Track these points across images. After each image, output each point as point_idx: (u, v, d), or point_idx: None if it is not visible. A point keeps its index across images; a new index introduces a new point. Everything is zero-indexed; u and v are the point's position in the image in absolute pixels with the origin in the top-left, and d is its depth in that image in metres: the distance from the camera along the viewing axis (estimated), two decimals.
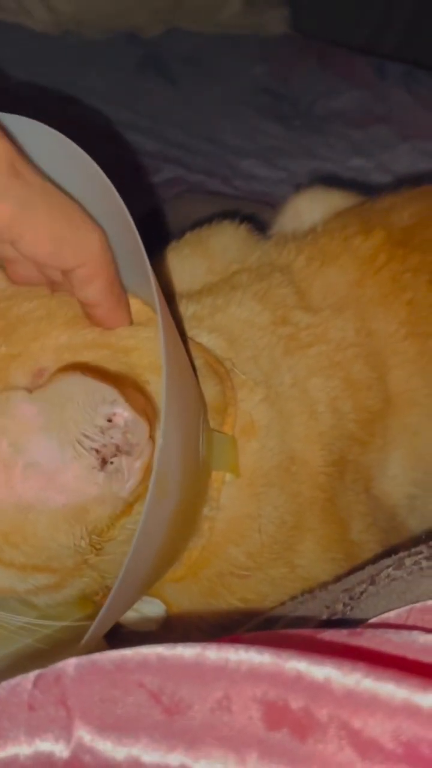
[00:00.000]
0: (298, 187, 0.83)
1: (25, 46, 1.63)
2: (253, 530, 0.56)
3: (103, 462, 0.47)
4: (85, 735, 0.33)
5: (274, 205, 0.84)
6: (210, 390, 0.55)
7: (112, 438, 0.46)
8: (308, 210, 0.77)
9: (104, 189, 0.47)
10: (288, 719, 0.31)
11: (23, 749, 0.33)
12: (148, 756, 0.32)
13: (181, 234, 0.72)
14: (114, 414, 0.46)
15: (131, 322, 0.51)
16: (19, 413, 0.47)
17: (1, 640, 0.53)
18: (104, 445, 0.47)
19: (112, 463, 0.47)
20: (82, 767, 0.32)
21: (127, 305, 0.51)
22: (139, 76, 1.62)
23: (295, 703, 0.32)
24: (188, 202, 1.14)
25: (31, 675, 0.34)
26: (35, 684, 0.34)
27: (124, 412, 0.45)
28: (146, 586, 0.52)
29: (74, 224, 0.47)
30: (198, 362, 0.55)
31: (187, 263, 0.68)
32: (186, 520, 0.52)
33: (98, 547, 0.49)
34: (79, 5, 1.73)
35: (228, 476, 0.55)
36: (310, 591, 0.55)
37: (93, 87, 1.50)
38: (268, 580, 0.57)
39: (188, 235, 0.71)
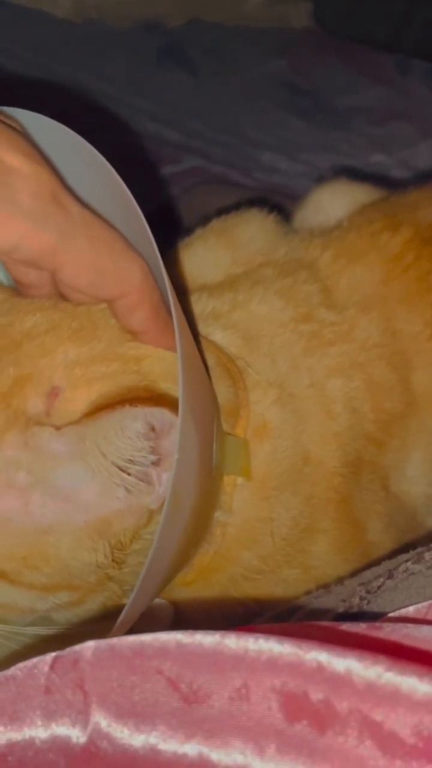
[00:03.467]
0: (319, 181, 0.83)
1: (47, 33, 1.62)
2: (265, 534, 0.55)
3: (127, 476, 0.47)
4: (101, 720, 0.32)
5: (295, 197, 0.83)
6: (222, 391, 0.54)
7: (143, 455, 0.46)
8: (330, 203, 0.77)
9: (118, 189, 0.46)
10: (307, 711, 0.31)
11: (39, 733, 0.33)
12: (166, 744, 0.31)
13: (199, 224, 0.71)
14: (146, 430, 0.45)
15: None
16: (44, 449, 0.46)
17: None
18: (131, 461, 0.46)
19: (131, 474, 0.47)
20: (98, 753, 0.32)
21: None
22: (160, 67, 1.61)
23: (315, 695, 0.31)
24: (208, 192, 1.13)
25: (48, 657, 0.34)
26: (52, 667, 0.34)
27: (154, 432, 0.45)
28: (157, 594, 0.51)
29: (115, 255, 0.46)
30: (210, 362, 0.54)
31: (211, 253, 0.67)
32: (198, 525, 0.51)
33: (120, 560, 0.49)
34: None
35: (240, 480, 0.54)
36: (326, 586, 0.54)
37: (114, 76, 1.49)
38: (281, 582, 0.56)
39: (214, 223, 0.70)
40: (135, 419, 0.45)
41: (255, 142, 1.39)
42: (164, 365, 0.49)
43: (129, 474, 0.47)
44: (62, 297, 0.52)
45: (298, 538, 0.56)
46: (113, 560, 0.48)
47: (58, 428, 0.46)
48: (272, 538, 0.55)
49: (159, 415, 0.45)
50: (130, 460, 0.46)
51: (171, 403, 0.46)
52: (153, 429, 0.45)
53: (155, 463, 0.47)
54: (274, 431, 0.56)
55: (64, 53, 1.54)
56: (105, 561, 0.48)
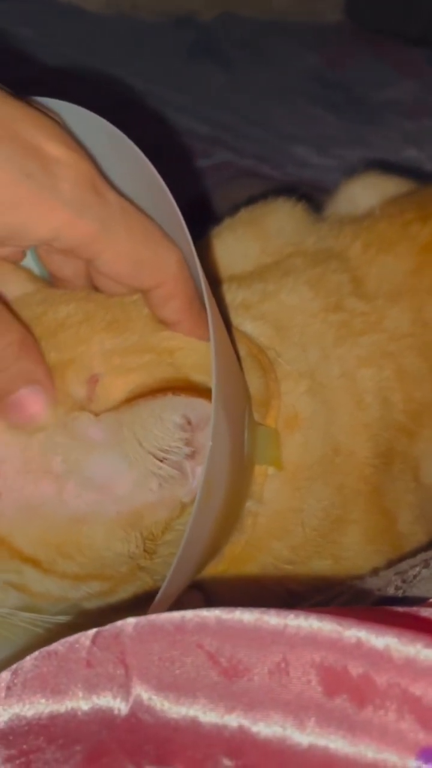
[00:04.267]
0: (350, 175, 0.83)
1: (80, 27, 1.63)
2: (296, 524, 0.55)
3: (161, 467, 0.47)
4: (143, 693, 0.33)
5: (326, 191, 0.83)
6: (254, 382, 0.54)
7: (178, 446, 0.46)
8: (362, 196, 0.76)
9: (152, 180, 0.47)
10: (347, 685, 0.31)
11: (81, 704, 0.33)
12: (206, 716, 0.32)
13: (228, 215, 0.71)
14: (183, 422, 0.45)
15: None
16: (82, 435, 0.46)
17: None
18: (167, 451, 0.46)
19: (165, 465, 0.47)
20: (139, 724, 0.32)
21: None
22: (192, 60, 1.61)
23: (354, 670, 0.31)
24: (239, 186, 1.13)
25: (90, 632, 0.35)
26: (93, 641, 0.34)
27: (190, 424, 0.45)
28: (187, 584, 0.52)
29: (152, 244, 0.47)
30: (241, 353, 0.54)
31: (240, 243, 0.66)
32: (229, 515, 0.51)
33: (151, 551, 0.49)
34: None
35: (271, 470, 0.54)
36: (360, 577, 0.54)
37: (146, 69, 1.50)
38: (312, 573, 0.56)
39: (243, 213, 0.70)
40: (174, 409, 0.45)
41: (286, 135, 1.39)
42: (197, 356, 0.49)
43: (164, 464, 0.47)
44: (96, 290, 0.52)
45: (329, 529, 0.56)
46: (145, 551, 0.48)
47: (96, 414, 0.46)
48: (303, 529, 0.55)
49: (198, 406, 0.45)
50: (166, 450, 0.46)
51: (207, 396, 0.46)
52: (189, 422, 0.46)
53: (189, 456, 0.47)
54: (305, 421, 0.56)
55: (96, 47, 1.54)
56: (137, 551, 0.48)
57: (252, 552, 0.55)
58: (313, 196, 0.80)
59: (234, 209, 0.71)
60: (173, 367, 0.49)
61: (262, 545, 0.55)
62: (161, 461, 0.47)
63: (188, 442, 0.46)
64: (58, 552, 0.47)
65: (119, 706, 0.33)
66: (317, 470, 0.56)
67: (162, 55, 1.58)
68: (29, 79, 1.33)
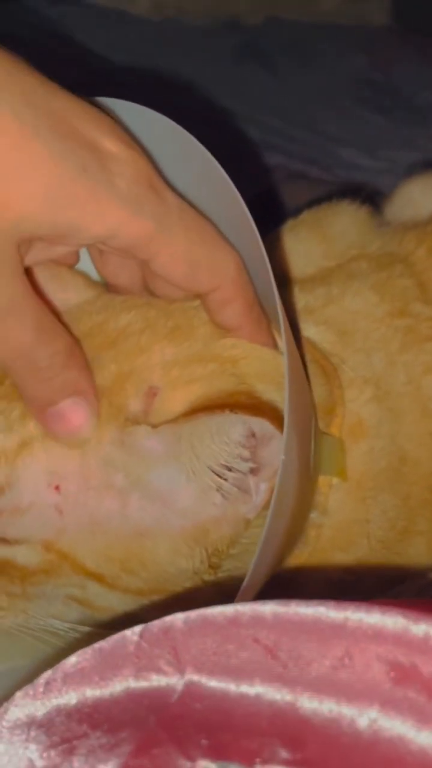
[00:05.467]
0: (401, 176, 0.81)
1: (126, 31, 1.63)
2: (361, 535, 0.54)
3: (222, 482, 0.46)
4: (196, 677, 0.32)
5: (375, 194, 0.81)
6: (318, 389, 0.52)
7: (239, 462, 0.45)
8: (422, 197, 0.75)
9: (220, 181, 0.45)
10: (416, 680, 0.30)
11: (131, 683, 0.32)
12: (263, 697, 0.31)
13: (294, 216, 0.70)
14: (245, 439, 0.44)
15: (275, 345, 0.49)
16: (140, 448, 0.46)
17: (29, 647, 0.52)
18: (230, 469, 0.45)
19: (227, 481, 0.46)
20: (192, 710, 0.31)
21: (269, 326, 0.49)
22: (238, 64, 1.60)
23: (425, 667, 0.30)
24: (290, 189, 1.12)
25: (137, 628, 0.33)
26: (141, 636, 0.33)
27: (254, 438, 0.44)
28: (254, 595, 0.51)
29: (210, 246, 0.45)
30: (305, 359, 0.53)
31: (302, 245, 0.65)
32: (294, 527, 0.50)
33: (216, 566, 0.48)
34: None
35: (335, 480, 0.53)
36: (422, 574, 0.53)
37: (192, 73, 1.49)
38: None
39: (305, 215, 0.68)
40: (233, 426, 0.44)
41: (334, 138, 1.38)
42: (261, 365, 0.48)
43: (225, 480, 0.46)
44: (152, 295, 0.51)
45: (395, 540, 0.54)
46: (210, 566, 0.48)
47: (154, 426, 0.45)
48: (368, 540, 0.54)
49: (259, 425, 0.43)
50: (226, 466, 0.45)
51: (271, 410, 0.44)
52: (253, 435, 0.44)
53: (253, 472, 0.46)
54: (370, 430, 0.54)
55: (142, 51, 1.54)
56: (201, 567, 0.47)
57: (315, 564, 0.53)
58: (370, 198, 0.79)
59: (293, 212, 0.70)
60: (236, 377, 0.47)
61: (326, 557, 0.53)
62: (222, 477, 0.46)
63: (251, 459, 0.45)
64: (121, 567, 0.47)
65: (173, 685, 0.32)
66: (383, 480, 0.54)
67: (208, 59, 1.58)
68: (77, 83, 1.33)
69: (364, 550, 0.54)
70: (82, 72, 1.33)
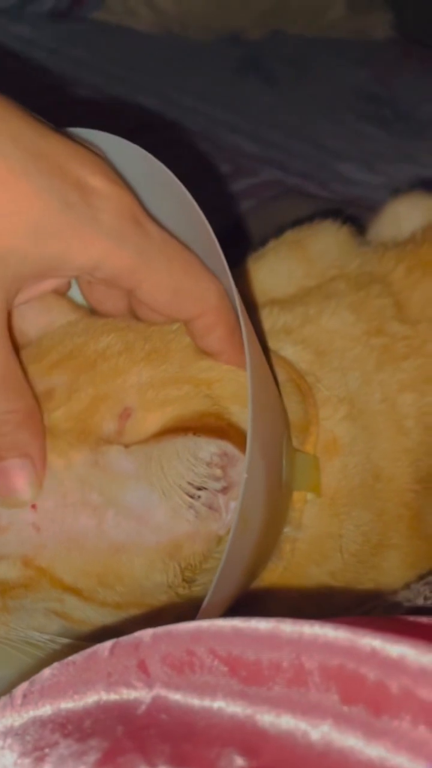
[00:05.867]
0: (397, 192, 0.82)
1: (129, 47, 1.65)
2: (335, 550, 0.55)
3: (194, 499, 0.47)
4: (163, 691, 0.34)
5: (373, 209, 0.82)
6: (293, 407, 0.54)
7: (209, 481, 0.46)
8: (407, 216, 0.76)
9: (186, 203, 0.47)
10: (363, 694, 0.31)
11: (102, 696, 0.34)
12: (223, 710, 0.33)
13: (274, 236, 0.71)
14: (215, 459, 0.46)
15: None
16: (114, 467, 0.47)
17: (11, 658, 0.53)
18: (200, 488, 0.47)
19: (200, 497, 0.47)
20: (158, 721, 0.33)
21: None
22: (240, 78, 1.62)
23: (369, 679, 0.31)
24: (285, 204, 1.13)
25: (108, 643, 0.35)
26: (112, 651, 0.35)
27: (226, 457, 0.45)
28: (223, 610, 0.52)
29: (192, 276, 0.47)
30: (281, 378, 0.54)
31: (284, 264, 0.67)
32: (267, 542, 0.51)
33: (190, 580, 0.49)
34: (184, 6, 1.74)
35: (310, 496, 0.54)
36: (393, 592, 0.54)
37: (194, 87, 1.51)
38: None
39: (288, 234, 0.70)
40: (197, 447, 0.45)
41: (334, 152, 1.39)
42: (235, 387, 0.49)
43: (195, 499, 0.47)
44: (137, 319, 0.53)
45: (369, 555, 0.55)
46: (184, 580, 0.49)
47: (126, 446, 0.47)
48: (342, 555, 0.55)
49: (223, 447, 0.45)
50: (194, 485, 0.47)
51: (236, 431, 0.46)
52: (225, 455, 0.46)
53: (222, 491, 0.47)
54: (344, 447, 0.55)
55: (145, 66, 1.56)
56: (175, 581, 0.48)
57: (290, 578, 0.54)
58: (360, 215, 0.80)
59: (277, 230, 0.71)
60: (210, 398, 0.49)
61: (301, 571, 0.54)
62: (193, 496, 0.47)
63: (220, 477, 0.46)
64: (98, 582, 0.48)
65: (142, 698, 0.34)
66: (357, 496, 0.55)
67: (210, 74, 1.59)
68: (77, 99, 1.35)
69: (338, 564, 0.55)
70: (83, 89, 1.35)
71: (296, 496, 0.53)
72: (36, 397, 0.48)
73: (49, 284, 0.51)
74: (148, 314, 0.51)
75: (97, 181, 0.45)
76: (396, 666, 0.31)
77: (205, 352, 0.50)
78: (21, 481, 0.47)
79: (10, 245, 0.43)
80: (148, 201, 0.48)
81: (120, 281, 0.46)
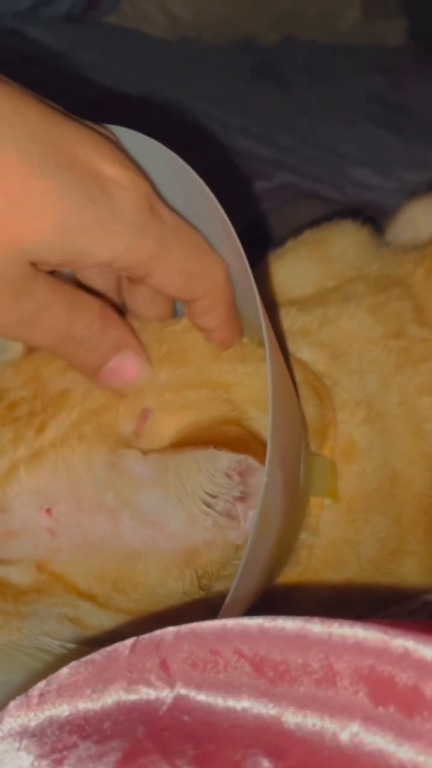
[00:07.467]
0: (412, 195, 0.82)
1: (143, 51, 1.64)
2: (351, 556, 0.54)
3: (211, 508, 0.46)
4: (184, 690, 0.33)
5: (387, 213, 0.82)
6: (310, 411, 0.53)
7: (228, 490, 0.46)
8: (424, 218, 0.75)
9: (211, 205, 0.46)
10: (395, 696, 0.30)
11: (122, 696, 0.33)
12: (248, 710, 0.32)
13: (291, 237, 0.70)
14: (234, 469, 0.45)
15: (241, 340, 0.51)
16: (130, 473, 0.46)
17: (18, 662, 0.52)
18: (215, 496, 0.46)
19: (216, 507, 0.46)
20: (180, 721, 0.32)
21: (241, 327, 0.51)
22: (254, 83, 1.61)
23: (402, 681, 0.31)
24: (299, 208, 1.13)
25: (128, 641, 0.34)
26: (132, 649, 0.34)
27: (246, 466, 0.45)
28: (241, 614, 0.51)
29: (202, 257, 0.47)
30: (297, 380, 0.53)
31: (302, 265, 0.66)
32: (283, 548, 0.50)
33: (207, 588, 0.48)
34: (198, 12, 1.74)
35: (327, 501, 0.53)
36: (414, 597, 0.53)
37: (208, 92, 1.50)
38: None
39: (306, 235, 0.69)
40: (217, 461, 0.45)
41: (348, 157, 1.38)
42: (253, 391, 0.49)
43: (212, 508, 0.46)
44: (124, 302, 0.52)
45: (386, 561, 0.55)
46: (200, 587, 0.48)
47: (144, 453, 0.46)
48: (358, 561, 0.54)
49: (243, 461, 0.44)
50: (212, 495, 0.46)
51: (255, 440, 0.45)
52: (245, 465, 0.45)
53: (240, 500, 0.46)
54: (362, 452, 0.55)
55: (159, 71, 1.55)
56: (191, 588, 0.48)
57: (307, 583, 0.54)
58: (375, 219, 0.79)
59: (295, 231, 0.70)
60: (229, 402, 0.48)
61: (318, 576, 0.54)
62: (210, 507, 0.46)
63: (238, 487, 0.46)
64: (113, 588, 0.47)
65: (163, 698, 0.33)
66: (374, 501, 0.54)
67: (224, 79, 1.59)
68: (92, 102, 1.35)
69: (355, 570, 0.54)
70: (96, 93, 1.35)
71: (313, 501, 0.53)
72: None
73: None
74: (137, 300, 0.51)
75: (112, 168, 0.44)
76: (430, 668, 0.31)
77: (200, 329, 0.50)
78: (132, 370, 0.49)
79: (36, 241, 0.42)
80: (164, 191, 0.48)
81: (134, 271, 0.46)
